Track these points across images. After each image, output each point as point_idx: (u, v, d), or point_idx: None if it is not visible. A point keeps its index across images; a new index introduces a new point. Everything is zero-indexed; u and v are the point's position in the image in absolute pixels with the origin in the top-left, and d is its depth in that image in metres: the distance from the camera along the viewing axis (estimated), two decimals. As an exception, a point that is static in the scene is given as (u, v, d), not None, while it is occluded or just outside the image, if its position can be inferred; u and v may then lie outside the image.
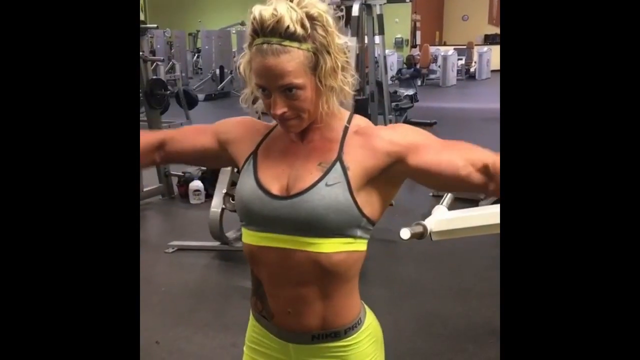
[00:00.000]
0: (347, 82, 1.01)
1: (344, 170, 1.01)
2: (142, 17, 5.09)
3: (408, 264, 3.78)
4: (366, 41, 6.13)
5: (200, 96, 11.12)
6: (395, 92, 8.65)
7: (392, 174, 1.04)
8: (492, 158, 0.99)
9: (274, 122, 1.12)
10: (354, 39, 5.49)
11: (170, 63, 11.99)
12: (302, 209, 1.01)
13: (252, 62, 0.98)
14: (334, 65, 0.98)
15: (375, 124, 1.10)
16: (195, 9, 20.40)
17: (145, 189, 5.08)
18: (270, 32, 0.94)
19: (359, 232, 1.04)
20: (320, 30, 0.96)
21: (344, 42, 1.00)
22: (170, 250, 3.98)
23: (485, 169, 0.99)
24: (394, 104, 7.88)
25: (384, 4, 5.66)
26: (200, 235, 4.04)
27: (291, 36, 0.94)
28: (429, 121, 6.43)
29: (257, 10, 0.95)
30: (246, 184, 1.08)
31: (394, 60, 15.13)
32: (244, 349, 1.23)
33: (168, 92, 5.68)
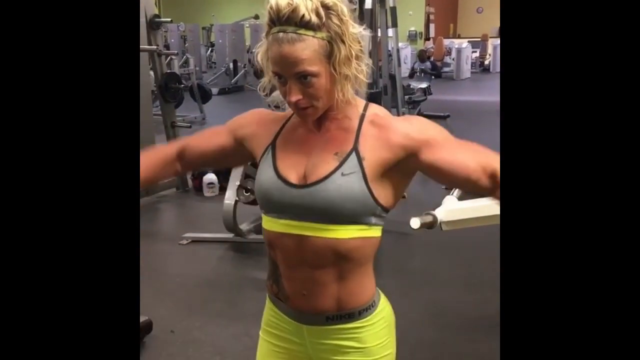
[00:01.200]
0: (361, 70, 1.04)
1: (360, 160, 1.04)
2: (156, 11, 5.12)
3: (419, 255, 3.79)
4: (379, 34, 6.11)
5: (214, 90, 11.16)
6: (409, 85, 8.61)
7: (406, 167, 1.06)
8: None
9: (288, 111, 1.14)
10: (368, 30, 5.46)
11: (184, 57, 12.04)
12: (319, 197, 1.04)
13: (269, 51, 1.01)
14: (348, 54, 1.01)
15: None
16: (209, 3, 20.43)
17: (159, 182, 5.13)
18: (286, 20, 0.97)
19: (373, 220, 1.08)
20: (334, 19, 0.99)
21: (359, 31, 1.03)
22: (185, 242, 4.03)
23: (494, 176, 1.01)
24: (407, 97, 7.84)
25: (397, -4, 5.63)
26: (214, 227, 4.08)
27: (306, 25, 0.97)
28: (442, 114, 6.39)
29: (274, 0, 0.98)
30: (266, 173, 1.11)
31: (407, 53, 15.05)
32: (260, 332, 1.26)
33: (182, 86, 5.72)
